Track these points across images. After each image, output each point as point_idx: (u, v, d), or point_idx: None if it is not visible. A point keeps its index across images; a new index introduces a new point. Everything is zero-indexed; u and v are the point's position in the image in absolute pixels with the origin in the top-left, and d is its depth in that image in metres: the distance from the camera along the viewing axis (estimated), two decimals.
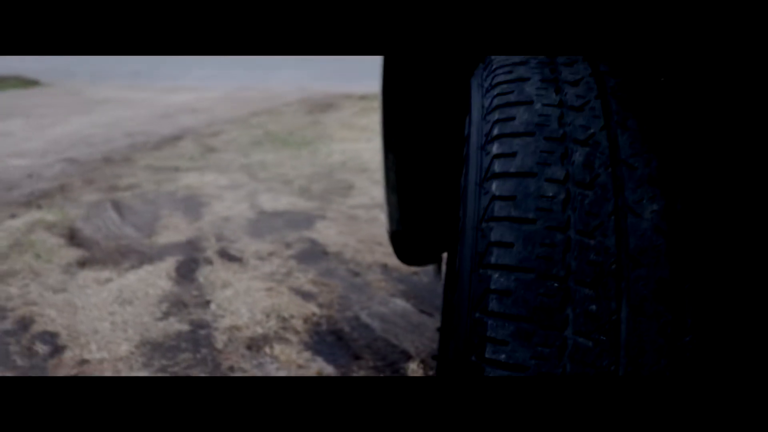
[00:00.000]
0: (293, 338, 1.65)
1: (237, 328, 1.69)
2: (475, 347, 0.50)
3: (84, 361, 1.53)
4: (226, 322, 1.72)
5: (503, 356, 0.48)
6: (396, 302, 1.84)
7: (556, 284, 0.49)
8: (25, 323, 1.71)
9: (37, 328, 1.68)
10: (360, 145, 4.14)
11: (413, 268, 2.02)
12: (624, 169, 0.53)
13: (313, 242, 2.29)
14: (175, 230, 2.47)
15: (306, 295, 1.87)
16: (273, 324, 1.71)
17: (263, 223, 2.55)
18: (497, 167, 0.54)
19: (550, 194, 0.52)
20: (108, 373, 1.48)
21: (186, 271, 2.04)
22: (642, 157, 0.54)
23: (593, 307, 0.48)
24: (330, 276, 2.01)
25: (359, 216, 2.61)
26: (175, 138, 4.51)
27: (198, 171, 3.53)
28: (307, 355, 1.59)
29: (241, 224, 2.52)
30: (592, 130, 0.55)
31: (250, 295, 1.87)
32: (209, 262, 2.12)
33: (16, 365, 1.52)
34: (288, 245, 2.27)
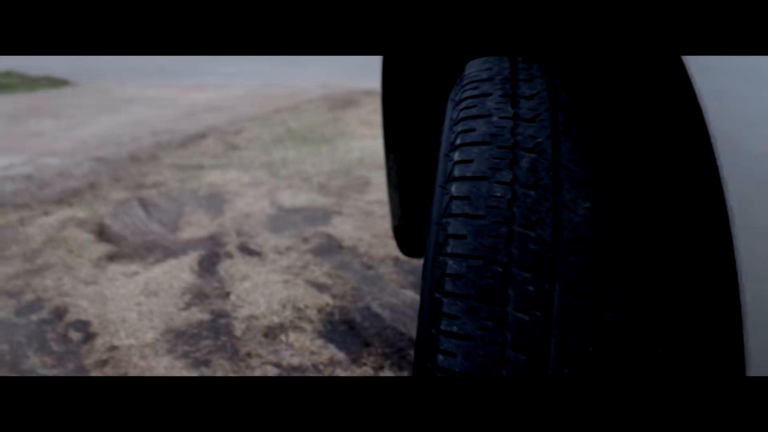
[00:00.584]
0: (308, 327, 1.77)
1: (255, 317, 1.81)
2: (433, 321, 0.60)
3: (113, 348, 1.66)
4: (244, 311, 1.84)
5: (455, 328, 0.58)
6: (406, 293, 1.94)
7: (500, 269, 0.59)
8: (59, 313, 1.85)
9: (70, 317, 1.83)
10: (378, 142, 4.24)
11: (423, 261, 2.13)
12: (563, 172, 0.63)
13: (330, 237, 2.41)
14: (198, 226, 2.60)
15: (321, 287, 1.99)
16: (289, 314, 1.83)
17: (282, 219, 2.67)
18: (457, 172, 0.65)
19: (499, 194, 0.62)
20: (135, 359, 1.61)
21: (208, 265, 2.17)
22: (580, 162, 0.64)
23: (530, 288, 0.58)
24: (344, 269, 2.12)
25: (374, 211, 2.72)
26: (200, 136, 4.65)
27: (221, 169, 3.66)
28: (320, 342, 1.70)
29: (261, 220, 2.65)
30: (539, 139, 0.65)
31: (268, 287, 1.99)
32: (230, 256, 2.25)
33: (52, 351, 1.66)
34: (305, 240, 2.38)
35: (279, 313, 1.83)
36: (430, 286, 0.63)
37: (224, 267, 2.15)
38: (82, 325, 1.78)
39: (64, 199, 3.08)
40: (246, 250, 2.30)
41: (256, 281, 2.03)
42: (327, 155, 3.95)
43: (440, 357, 0.59)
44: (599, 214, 0.61)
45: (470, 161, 0.65)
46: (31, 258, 2.28)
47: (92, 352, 1.65)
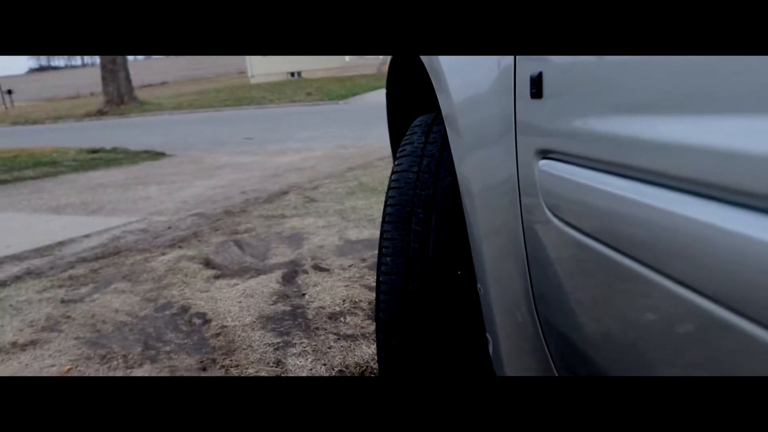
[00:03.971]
0: (360, 313, 2.56)
1: (322, 308, 2.62)
2: (381, 234, 1.39)
3: (224, 326, 2.50)
4: (315, 304, 2.66)
5: (388, 234, 1.36)
6: None
7: (408, 209, 1.37)
8: (185, 309, 2.73)
9: (192, 311, 2.70)
10: None
11: None
12: (441, 166, 1.41)
13: None
14: (281, 256, 3.47)
15: (372, 288, 2.78)
16: (347, 305, 2.63)
17: (348, 247, 3.50)
18: (395, 169, 1.44)
19: (411, 177, 1.41)
20: (239, 332, 2.44)
21: (289, 278, 3.01)
22: (450, 159, 1.42)
23: (422, 215, 1.36)
24: None
25: None
26: (282, 193, 5.60)
27: (300, 217, 4.55)
28: (368, 321, 2.48)
29: (331, 249, 3.49)
30: (434, 151, 1.44)
31: (333, 290, 2.81)
32: (305, 272, 3.09)
33: (182, 330, 2.52)
34: (364, 260, 3.20)
35: (340, 305, 2.63)
36: (381, 220, 1.42)
37: (301, 279, 2.99)
38: (201, 315, 2.65)
39: (175, 244, 4.02)
40: (318, 268, 3.14)
41: (324, 286, 2.85)
42: None
43: (383, 249, 1.38)
44: (454, 181, 1.39)
45: (401, 163, 1.45)
46: (158, 280, 3.19)
47: (209, 330, 2.50)
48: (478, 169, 1.11)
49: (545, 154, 0.85)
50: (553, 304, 0.97)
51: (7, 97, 31.79)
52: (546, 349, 1.08)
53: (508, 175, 1.01)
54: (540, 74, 0.83)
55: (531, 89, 0.86)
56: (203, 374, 2.13)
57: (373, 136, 9.57)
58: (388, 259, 1.37)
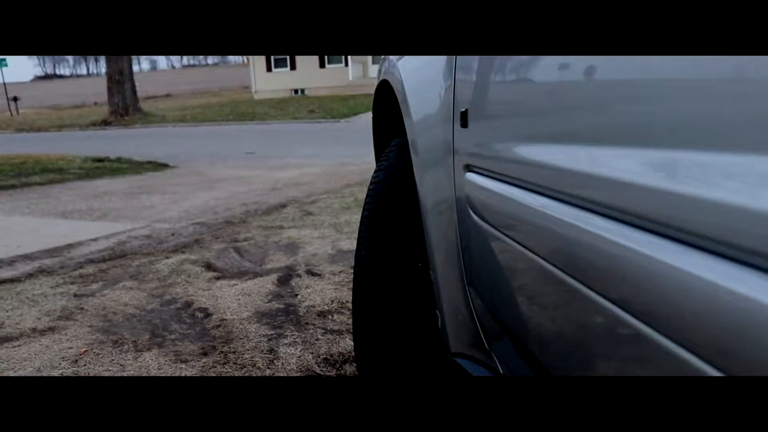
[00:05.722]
0: (347, 312, 2.87)
1: (312, 306, 2.94)
2: (359, 233, 1.71)
3: (223, 319, 2.82)
4: (306, 303, 2.97)
5: (364, 233, 1.68)
6: None
7: (381, 213, 1.69)
8: (188, 304, 3.04)
9: (195, 306, 3.01)
10: None
11: None
12: (407, 175, 1.73)
13: None
14: (277, 262, 3.78)
15: None
16: (335, 305, 2.94)
17: (339, 256, 3.82)
18: (373, 179, 1.76)
19: (385, 187, 1.73)
20: (237, 324, 2.75)
21: (284, 280, 3.33)
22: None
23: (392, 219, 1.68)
24: None
25: None
26: (281, 206, 5.92)
27: (297, 228, 4.87)
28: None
29: (324, 257, 3.81)
30: (405, 167, 1.76)
31: (324, 292, 3.12)
32: (299, 276, 3.41)
33: (186, 322, 2.83)
34: (353, 267, 3.51)
35: (329, 305, 2.95)
36: (360, 221, 1.74)
37: (295, 282, 3.31)
38: (203, 310, 2.96)
39: (178, 249, 4.34)
40: (311, 273, 3.46)
41: (315, 288, 3.17)
42: None
43: (360, 245, 1.69)
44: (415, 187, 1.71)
45: (378, 175, 1.77)
46: (163, 280, 3.51)
47: (210, 322, 2.81)
48: (430, 187, 1.43)
49: (469, 168, 1.18)
50: (479, 288, 1.29)
51: (12, 103, 32.26)
52: (478, 325, 1.40)
53: (450, 191, 1.33)
54: (466, 110, 1.16)
55: (461, 121, 1.18)
56: (204, 359, 2.44)
57: (371, 154, 9.90)
58: (363, 252, 1.69)
